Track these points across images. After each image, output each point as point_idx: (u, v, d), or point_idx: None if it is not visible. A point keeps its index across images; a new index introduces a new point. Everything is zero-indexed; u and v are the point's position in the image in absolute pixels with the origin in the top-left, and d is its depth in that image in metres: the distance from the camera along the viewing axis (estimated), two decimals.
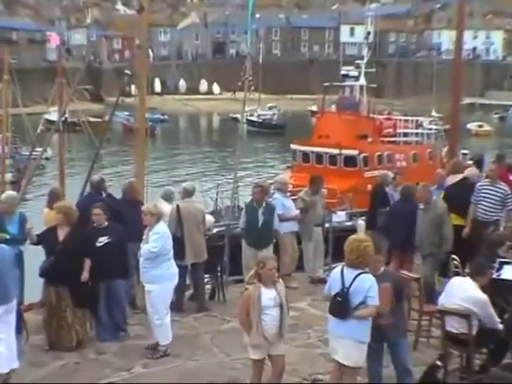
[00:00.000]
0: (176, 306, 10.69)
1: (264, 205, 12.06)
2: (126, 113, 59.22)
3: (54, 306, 9.41)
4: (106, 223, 9.84)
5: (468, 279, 8.21)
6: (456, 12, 21.54)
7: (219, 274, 12.23)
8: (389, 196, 13.96)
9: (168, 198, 12.27)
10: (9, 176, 36.38)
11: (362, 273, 7.14)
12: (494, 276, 9.08)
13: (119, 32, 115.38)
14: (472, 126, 73.63)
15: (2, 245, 8.01)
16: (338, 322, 7.16)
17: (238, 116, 39.89)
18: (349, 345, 7.13)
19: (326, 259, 14.04)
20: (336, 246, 13.16)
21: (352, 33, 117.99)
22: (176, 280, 9.67)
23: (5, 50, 36.55)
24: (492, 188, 12.16)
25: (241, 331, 7.72)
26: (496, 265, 9.54)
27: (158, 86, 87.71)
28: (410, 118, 33.42)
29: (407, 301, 8.89)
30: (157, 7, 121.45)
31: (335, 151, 26.89)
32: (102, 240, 9.64)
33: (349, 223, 20.50)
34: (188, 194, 11.54)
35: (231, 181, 25.97)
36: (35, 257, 9.91)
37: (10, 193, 11.24)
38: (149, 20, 13.53)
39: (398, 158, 27.88)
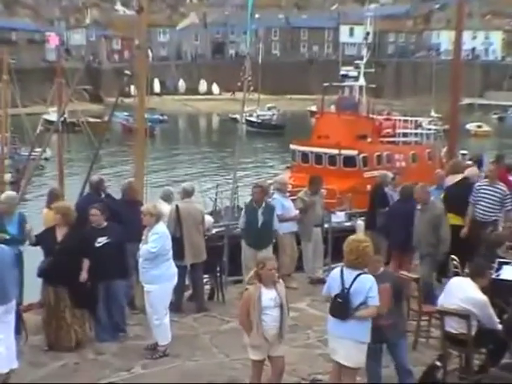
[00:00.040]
0: (175, 307, 10.69)
1: (264, 205, 12.06)
2: (126, 113, 59.21)
3: (52, 307, 9.41)
4: (105, 223, 9.84)
5: (468, 280, 8.20)
6: (455, 12, 21.54)
7: (218, 274, 12.24)
8: (388, 196, 13.97)
9: (167, 198, 12.28)
10: (8, 176, 36.38)
11: (361, 273, 7.15)
12: (494, 276, 9.08)
13: (118, 32, 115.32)
14: (471, 126, 73.62)
15: (2, 245, 8.01)
16: (338, 323, 7.16)
17: (238, 116, 39.88)
18: (349, 345, 7.13)
19: (326, 259, 14.05)
20: (335, 246, 13.17)
21: (351, 33, 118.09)
22: (175, 280, 9.67)
23: (4, 50, 36.57)
24: (490, 188, 12.16)
25: (240, 331, 7.73)
26: (495, 265, 9.55)
27: (157, 87, 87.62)
28: (409, 119, 33.44)
29: (406, 301, 8.90)
30: (156, 7, 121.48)
31: (334, 151, 26.90)
32: (101, 240, 9.64)
33: (348, 223, 20.53)
34: (187, 194, 11.55)
35: (230, 181, 26.00)
36: (35, 257, 9.91)
37: (9, 193, 11.24)
38: (148, 20, 13.52)
39: (397, 159, 27.90)
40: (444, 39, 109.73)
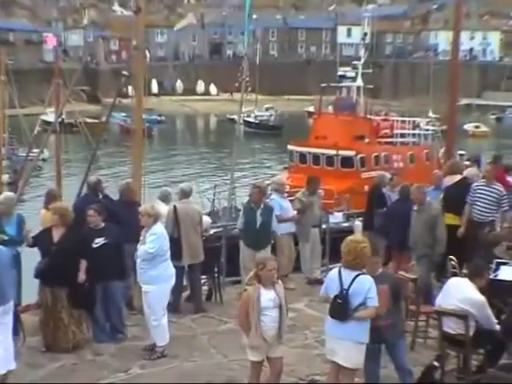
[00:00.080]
0: (173, 307, 10.71)
1: (262, 206, 12.06)
2: (123, 114, 59.19)
3: (49, 307, 9.39)
4: (103, 224, 9.83)
5: (466, 280, 8.21)
6: (453, 13, 21.56)
7: (216, 275, 12.24)
8: (386, 197, 13.97)
9: (165, 198, 12.28)
10: (5, 177, 36.28)
11: (360, 274, 7.14)
12: (491, 277, 9.09)
13: (116, 33, 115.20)
14: (469, 126, 73.63)
15: (0, 246, 8.00)
16: (336, 324, 7.15)
17: (235, 117, 39.94)
18: (348, 346, 7.12)
19: (323, 260, 14.06)
20: (333, 246, 13.21)
21: (349, 34, 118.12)
22: (173, 281, 9.66)
23: (1, 51, 36.52)
24: (487, 188, 12.15)
25: (238, 332, 7.72)
26: (493, 265, 9.55)
27: (154, 87, 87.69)
28: (406, 119, 33.49)
29: (405, 302, 8.90)
30: (154, 8, 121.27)
31: (332, 152, 26.94)
32: (99, 241, 9.63)
33: (346, 224, 20.56)
34: (185, 194, 11.55)
35: (228, 182, 26.00)
36: (33, 258, 9.90)
37: (7, 194, 11.23)
38: (146, 21, 13.48)
39: (395, 159, 27.95)
40: (442, 40, 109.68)
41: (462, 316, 7.92)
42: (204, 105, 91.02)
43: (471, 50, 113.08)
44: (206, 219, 12.59)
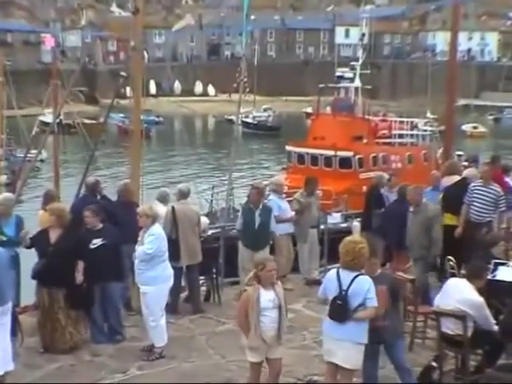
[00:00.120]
0: (171, 308, 10.70)
1: (261, 206, 12.06)
2: (121, 115, 59.29)
3: (46, 308, 9.38)
4: (101, 225, 9.83)
5: (464, 281, 8.21)
6: (451, 13, 21.61)
7: (214, 275, 12.23)
8: (384, 197, 13.97)
9: (163, 199, 12.28)
10: (3, 178, 36.38)
11: (359, 274, 7.13)
12: (489, 277, 9.09)
13: (114, 34, 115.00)
14: (467, 127, 73.69)
15: None
16: (335, 325, 7.13)
17: (233, 118, 39.89)
18: (347, 347, 7.11)
19: (322, 261, 14.05)
20: (331, 247, 13.19)
21: (347, 34, 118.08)
22: (171, 282, 9.67)
23: None
24: (484, 189, 12.15)
25: (236, 333, 7.73)
26: (491, 266, 9.56)
27: (153, 88, 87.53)
28: (405, 120, 33.51)
29: (403, 302, 8.90)
30: (152, 9, 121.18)
31: (330, 153, 26.96)
32: (96, 242, 9.62)
33: (344, 225, 20.58)
34: (183, 195, 11.54)
35: (226, 182, 25.99)
36: (31, 259, 9.89)
37: (6, 195, 11.24)
38: (144, 22, 13.48)
39: (393, 160, 27.97)
40: (440, 40, 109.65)
41: (460, 316, 7.92)
42: (202, 106, 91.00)
43: (469, 50, 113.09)
44: (204, 220, 12.59)
